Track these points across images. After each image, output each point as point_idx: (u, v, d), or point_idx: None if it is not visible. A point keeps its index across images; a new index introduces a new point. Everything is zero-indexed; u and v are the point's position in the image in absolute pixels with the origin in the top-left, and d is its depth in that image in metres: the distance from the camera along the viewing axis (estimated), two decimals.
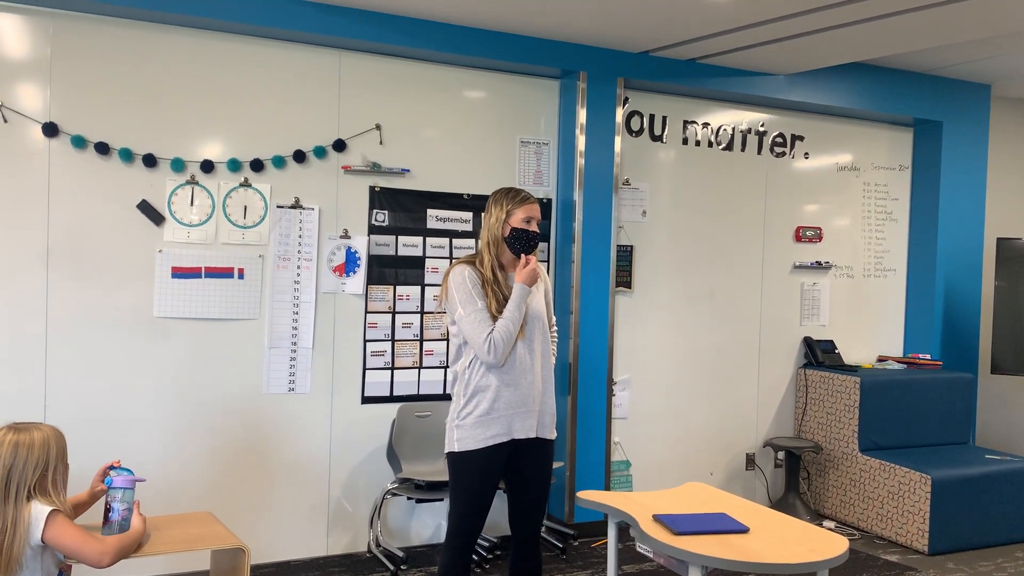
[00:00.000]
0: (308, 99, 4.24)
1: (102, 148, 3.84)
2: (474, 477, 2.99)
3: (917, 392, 5.28)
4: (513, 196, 3.08)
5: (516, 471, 3.06)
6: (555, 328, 3.27)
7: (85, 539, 2.38)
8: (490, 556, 4.32)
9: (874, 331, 5.87)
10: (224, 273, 4.09)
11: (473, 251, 4.26)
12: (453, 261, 3.12)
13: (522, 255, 3.04)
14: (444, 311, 3.12)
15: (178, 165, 3.97)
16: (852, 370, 5.37)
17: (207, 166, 4.03)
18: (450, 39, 4.33)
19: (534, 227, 3.08)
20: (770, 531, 2.82)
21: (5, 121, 3.69)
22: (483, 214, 3.13)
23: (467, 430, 2.97)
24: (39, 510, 2.31)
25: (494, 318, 2.94)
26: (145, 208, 3.93)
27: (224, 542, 2.66)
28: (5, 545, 2.26)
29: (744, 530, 2.79)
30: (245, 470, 4.16)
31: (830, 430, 5.33)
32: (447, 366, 4.52)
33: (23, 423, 2.43)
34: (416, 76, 4.47)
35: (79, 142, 3.79)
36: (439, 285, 4.47)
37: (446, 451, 3.04)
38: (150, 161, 3.92)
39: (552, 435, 3.12)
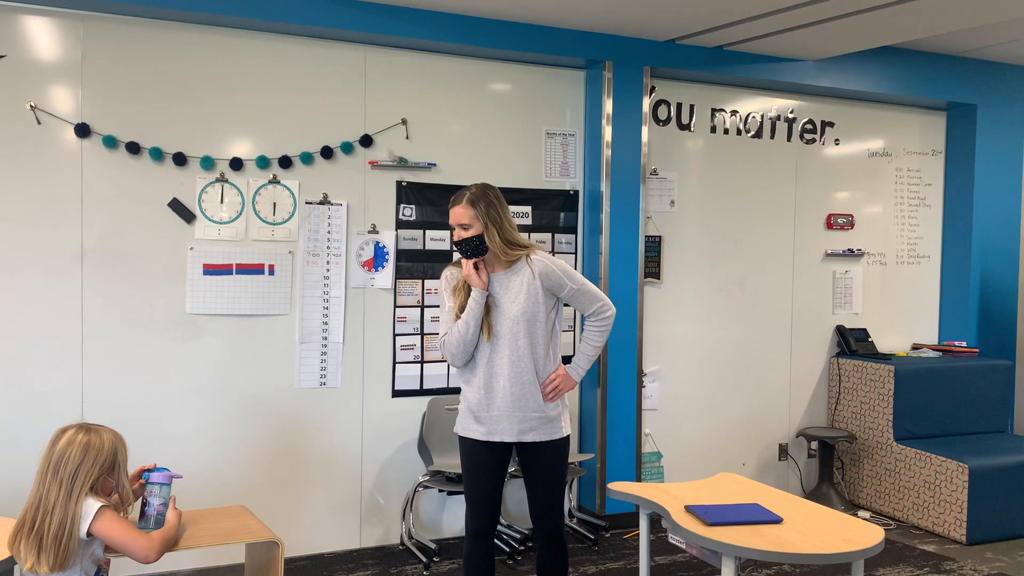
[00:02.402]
0: (334, 95, 4.26)
1: (133, 148, 3.88)
2: (468, 462, 3.06)
3: (953, 380, 5.20)
4: (451, 201, 3.03)
5: (524, 469, 3.08)
6: (594, 312, 3.07)
7: (133, 534, 2.43)
8: (522, 548, 4.33)
9: (908, 319, 5.79)
10: (255, 269, 4.12)
11: None
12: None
13: (463, 260, 2.97)
14: None
15: (208, 163, 4.01)
16: (886, 358, 5.30)
17: (236, 164, 4.06)
18: (474, 32, 4.32)
19: (459, 233, 2.95)
20: (804, 521, 2.79)
21: (39, 123, 3.75)
22: None
23: (461, 415, 3.07)
24: (89, 505, 2.36)
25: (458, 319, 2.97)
26: (176, 206, 3.98)
27: (258, 535, 2.69)
28: (64, 539, 2.31)
29: (777, 520, 2.76)
30: (278, 464, 4.21)
31: (864, 419, 5.26)
32: None
33: (93, 424, 2.48)
34: (441, 70, 4.48)
35: (110, 142, 3.84)
36: None
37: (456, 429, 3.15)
38: (180, 160, 3.96)
39: (547, 437, 3.01)
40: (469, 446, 3.04)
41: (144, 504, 2.60)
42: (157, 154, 3.92)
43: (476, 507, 3.05)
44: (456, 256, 3.40)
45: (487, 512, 3.05)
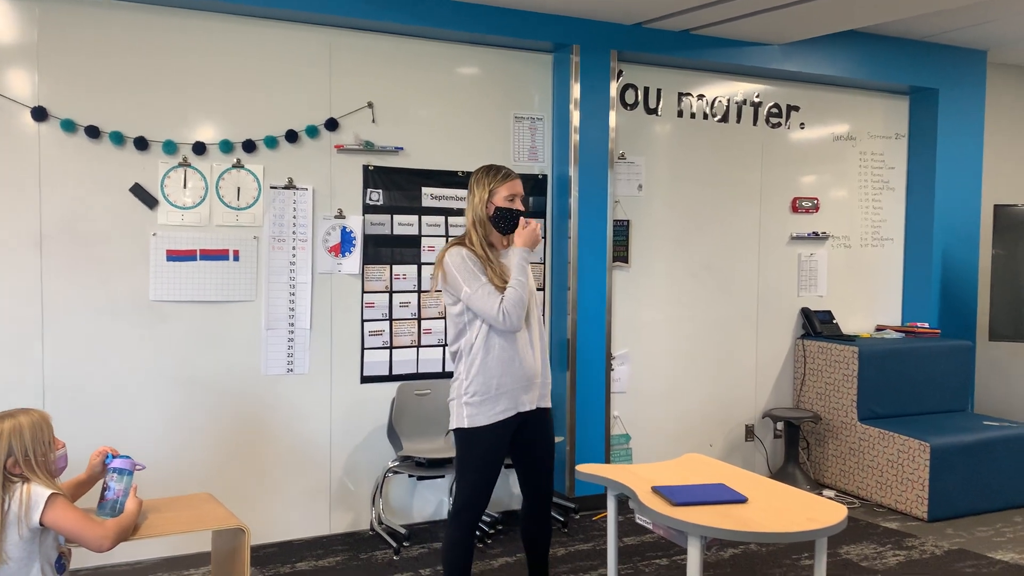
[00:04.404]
0: (299, 78, 4.21)
1: (92, 132, 3.81)
2: (484, 452, 3.03)
3: (915, 360, 5.29)
4: (494, 174, 3.07)
5: (524, 441, 3.11)
6: None
7: (86, 523, 2.38)
8: (492, 531, 4.35)
9: (872, 301, 5.87)
10: (219, 255, 4.07)
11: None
12: (448, 242, 3.09)
13: (521, 218, 3.06)
14: (439, 291, 3.09)
15: (170, 147, 3.95)
16: (850, 340, 5.37)
17: (199, 148, 4.01)
18: (440, 14, 4.29)
19: (518, 204, 3.07)
20: (768, 501, 2.83)
21: None
22: (467, 195, 3.13)
23: (476, 407, 3.00)
24: (39, 493, 2.32)
25: (500, 289, 2.98)
26: (138, 191, 3.91)
27: (224, 522, 2.67)
28: None
29: (742, 500, 2.80)
30: (246, 452, 4.18)
31: (829, 400, 5.34)
32: (446, 345, 4.52)
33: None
34: (408, 53, 4.44)
35: (69, 126, 3.77)
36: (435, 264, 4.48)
37: (453, 427, 3.06)
38: (141, 144, 3.90)
39: (550, 403, 3.19)
40: (481, 434, 3.00)
41: (104, 488, 2.57)
42: (117, 138, 3.85)
43: (483, 496, 3.07)
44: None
45: (487, 499, 3.09)
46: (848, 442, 5.20)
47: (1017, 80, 6.32)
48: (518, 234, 3.05)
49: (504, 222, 3.05)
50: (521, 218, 3.07)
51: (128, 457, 2.61)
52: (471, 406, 3.01)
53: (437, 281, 3.08)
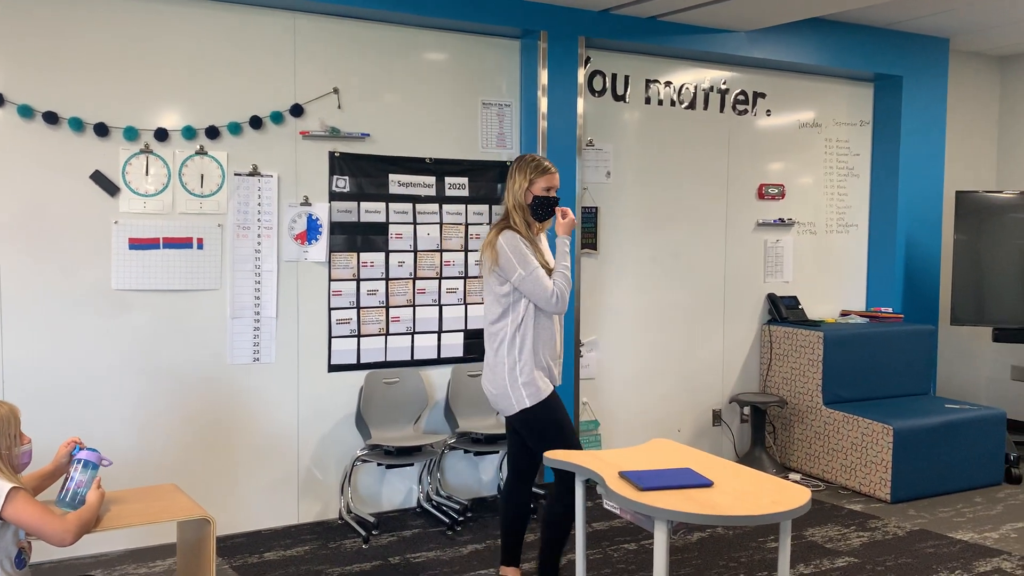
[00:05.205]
0: (263, 64, 4.15)
1: (51, 118, 3.73)
2: (559, 413, 3.26)
3: (879, 345, 5.36)
4: (535, 167, 3.30)
5: None
6: None
7: (47, 517, 2.34)
8: (461, 519, 4.35)
9: (837, 286, 5.94)
10: (183, 243, 4.02)
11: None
12: (495, 226, 3.30)
13: (558, 208, 3.31)
14: (490, 273, 3.29)
15: (131, 134, 3.88)
16: (815, 325, 5.44)
17: (161, 134, 3.94)
18: None
19: (553, 194, 3.32)
20: (734, 485, 2.86)
21: None
22: (507, 179, 3.34)
23: (532, 385, 3.22)
24: None
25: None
26: (99, 178, 3.84)
27: (188, 513, 2.64)
28: None
29: (708, 484, 2.82)
30: (212, 442, 4.14)
31: (795, 384, 5.40)
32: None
33: None
34: (374, 38, 4.39)
35: (26, 112, 3.68)
36: (404, 251, 4.47)
37: (518, 409, 3.24)
38: (102, 130, 3.82)
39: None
40: (548, 402, 3.24)
41: (66, 478, 2.53)
42: (77, 124, 3.78)
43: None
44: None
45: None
46: (813, 426, 5.27)
47: (978, 67, 6.41)
48: (559, 224, 3.29)
49: (542, 209, 3.30)
50: (558, 208, 3.31)
51: (96, 451, 2.57)
52: (528, 386, 3.22)
53: (486, 262, 3.25)
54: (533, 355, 3.23)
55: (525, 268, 3.18)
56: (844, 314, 5.82)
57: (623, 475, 2.88)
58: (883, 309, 5.79)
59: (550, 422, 3.26)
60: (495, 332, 3.28)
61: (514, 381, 3.23)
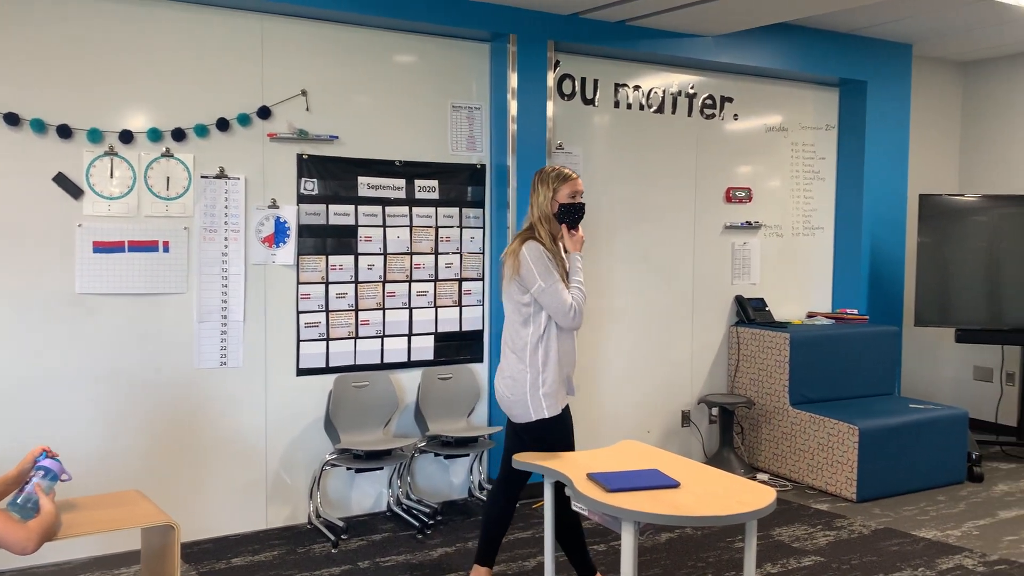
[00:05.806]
0: (230, 65, 4.12)
1: (12, 119, 3.68)
2: (564, 434, 3.33)
3: (845, 346, 5.43)
4: (557, 175, 3.32)
5: None
6: None
7: (8, 525, 2.30)
8: (431, 522, 4.35)
9: (803, 288, 6.01)
10: (148, 247, 3.98)
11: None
12: (520, 236, 3.31)
13: (567, 227, 3.31)
14: (511, 281, 3.29)
15: (95, 136, 3.84)
16: (782, 326, 5.50)
17: (126, 136, 3.90)
18: (376, 1, 4.23)
19: (579, 199, 3.33)
20: (701, 485, 2.88)
21: None
22: (530, 193, 3.35)
23: (553, 397, 3.27)
24: None
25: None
26: (62, 181, 3.79)
27: (152, 519, 2.62)
28: None
29: (675, 485, 2.84)
30: (179, 447, 4.09)
31: (762, 385, 5.46)
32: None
33: None
34: (343, 40, 4.38)
35: None
36: (374, 254, 4.46)
37: (535, 419, 3.26)
38: (65, 132, 3.77)
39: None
40: (561, 418, 3.31)
41: (25, 482, 2.48)
42: (39, 126, 3.72)
43: None
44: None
45: None
46: (781, 426, 5.33)
47: (941, 72, 6.52)
48: (568, 241, 3.31)
49: (569, 216, 3.30)
50: (566, 227, 3.30)
51: (59, 462, 2.53)
52: (549, 396, 3.26)
53: (508, 270, 3.26)
54: (557, 367, 3.27)
55: (546, 280, 3.19)
56: (810, 316, 5.89)
57: (591, 477, 2.90)
58: (848, 311, 5.87)
59: (561, 436, 3.31)
60: (515, 339, 3.30)
61: (535, 391, 3.25)
